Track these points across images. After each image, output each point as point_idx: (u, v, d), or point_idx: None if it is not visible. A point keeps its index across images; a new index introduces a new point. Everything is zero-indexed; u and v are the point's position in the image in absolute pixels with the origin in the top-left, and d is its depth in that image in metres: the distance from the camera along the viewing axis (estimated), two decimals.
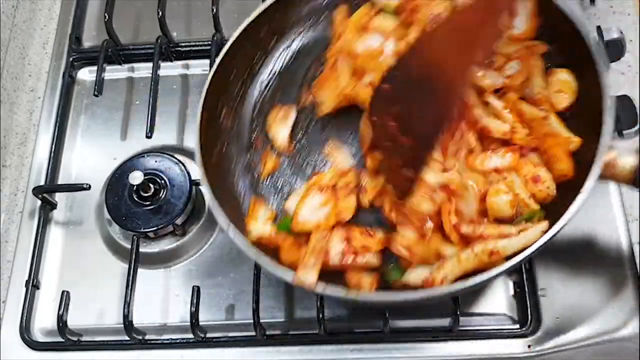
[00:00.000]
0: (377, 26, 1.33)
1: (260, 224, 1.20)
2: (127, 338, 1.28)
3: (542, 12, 1.27)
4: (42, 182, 1.46)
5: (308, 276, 1.07)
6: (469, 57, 1.10)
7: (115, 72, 1.59)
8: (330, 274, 1.14)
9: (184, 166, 1.38)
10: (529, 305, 1.26)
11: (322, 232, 1.16)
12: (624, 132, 1.37)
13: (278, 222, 1.21)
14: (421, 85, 1.12)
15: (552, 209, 1.15)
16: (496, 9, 1.05)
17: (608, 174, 1.13)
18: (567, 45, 1.25)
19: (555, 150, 1.18)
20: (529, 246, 1.07)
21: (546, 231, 1.07)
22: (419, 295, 1.06)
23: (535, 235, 1.08)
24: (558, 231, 1.05)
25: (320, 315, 1.23)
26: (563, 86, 1.25)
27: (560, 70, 1.27)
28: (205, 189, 1.18)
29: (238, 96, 1.36)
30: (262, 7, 1.34)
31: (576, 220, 1.12)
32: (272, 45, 1.41)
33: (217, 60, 1.29)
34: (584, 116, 1.21)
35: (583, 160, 1.15)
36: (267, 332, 1.28)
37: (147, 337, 1.31)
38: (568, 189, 1.14)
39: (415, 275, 1.12)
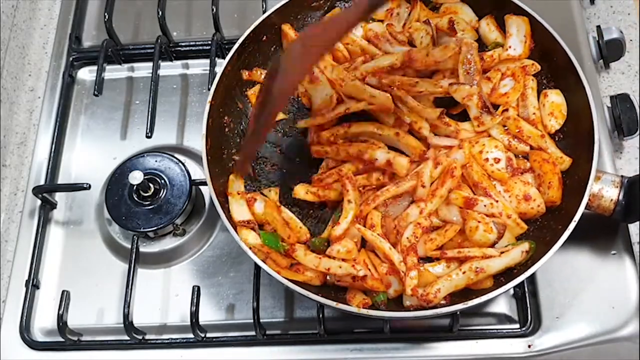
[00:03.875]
0: None
1: (252, 235, 1.21)
2: (127, 338, 1.28)
3: (535, 36, 1.33)
4: (42, 182, 1.46)
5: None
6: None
7: (115, 72, 1.59)
8: (326, 286, 1.21)
9: (184, 166, 1.38)
10: (529, 305, 1.26)
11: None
12: (624, 131, 1.37)
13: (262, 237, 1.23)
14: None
15: (540, 234, 1.21)
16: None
17: (593, 205, 1.20)
18: (557, 67, 1.31)
19: (550, 177, 1.23)
20: (512, 265, 1.16)
21: (527, 251, 1.17)
22: (423, 314, 1.14)
23: (517, 255, 1.17)
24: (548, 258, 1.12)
25: (320, 315, 1.23)
26: (554, 108, 1.30)
27: (551, 92, 1.32)
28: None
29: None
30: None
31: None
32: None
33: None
34: (573, 136, 1.27)
35: (570, 183, 1.22)
36: (267, 332, 1.29)
37: (147, 337, 1.31)
38: (554, 210, 1.22)
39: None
